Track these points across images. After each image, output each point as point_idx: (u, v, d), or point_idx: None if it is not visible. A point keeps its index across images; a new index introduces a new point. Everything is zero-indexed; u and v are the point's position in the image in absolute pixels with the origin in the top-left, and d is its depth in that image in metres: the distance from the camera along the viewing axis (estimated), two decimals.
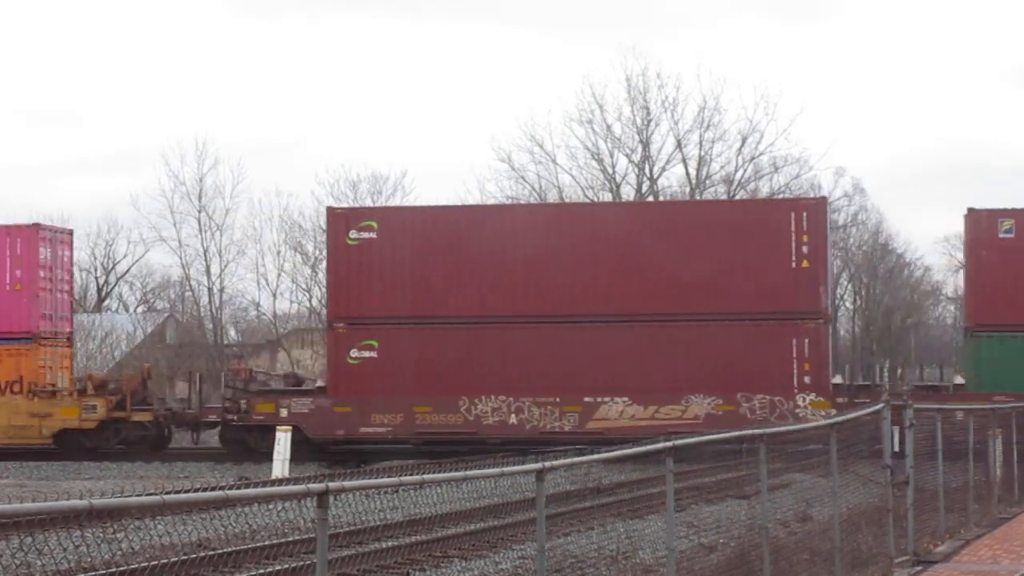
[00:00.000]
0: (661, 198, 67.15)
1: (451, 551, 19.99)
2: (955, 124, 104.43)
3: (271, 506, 20.73)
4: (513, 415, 38.77)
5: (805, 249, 38.06)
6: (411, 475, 10.97)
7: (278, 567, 18.24)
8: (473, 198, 70.77)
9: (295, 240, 69.43)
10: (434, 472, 15.31)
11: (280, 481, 32.06)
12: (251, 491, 10.28)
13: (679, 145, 67.33)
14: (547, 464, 11.25)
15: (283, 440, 34.35)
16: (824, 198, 38.87)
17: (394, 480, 10.55)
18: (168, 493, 12.44)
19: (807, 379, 37.50)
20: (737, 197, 65.49)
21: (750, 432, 15.47)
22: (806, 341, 37.71)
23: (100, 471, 38.47)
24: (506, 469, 11.27)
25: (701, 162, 67.56)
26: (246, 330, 78.18)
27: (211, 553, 18.17)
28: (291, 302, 71.99)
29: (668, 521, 13.26)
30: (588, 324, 38.68)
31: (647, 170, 67.47)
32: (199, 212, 68.85)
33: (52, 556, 17.16)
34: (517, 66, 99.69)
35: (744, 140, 67.13)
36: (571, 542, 19.51)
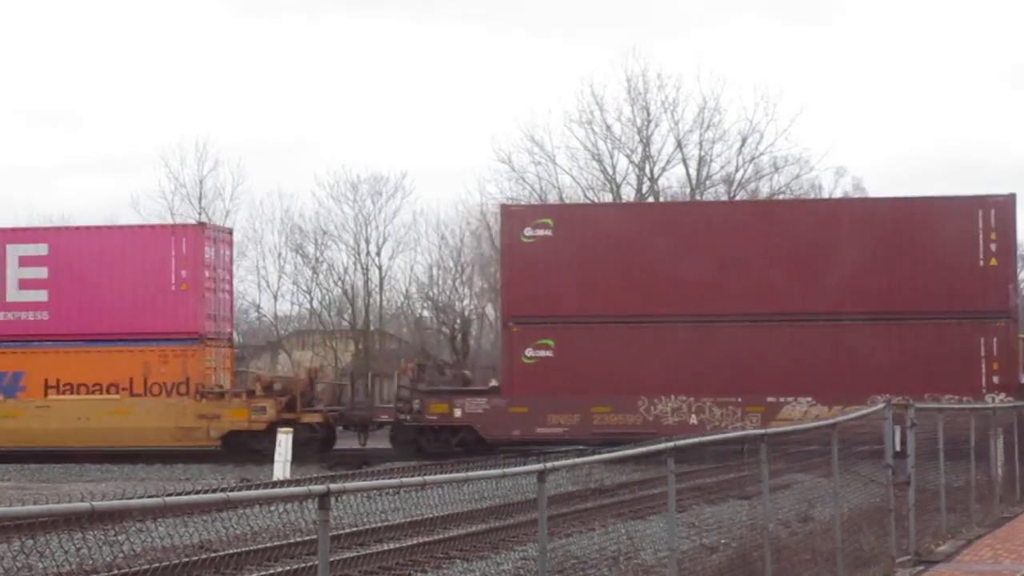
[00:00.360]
0: (661, 199, 67.13)
1: (453, 552, 19.99)
2: (955, 124, 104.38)
3: (272, 508, 20.74)
4: (694, 415, 38.27)
5: (993, 247, 37.55)
6: (412, 476, 10.97)
7: (280, 569, 18.23)
8: (474, 200, 70.84)
9: (296, 242, 69.41)
10: (435, 473, 15.30)
11: (281, 483, 32.04)
12: (252, 493, 10.28)
13: (679, 145, 67.32)
14: (549, 465, 11.24)
15: (284, 442, 34.31)
16: (1012, 195, 38.05)
17: (395, 481, 10.55)
18: (169, 495, 12.42)
19: (996, 379, 37.00)
20: (738, 198, 65.50)
21: (751, 433, 15.46)
22: (994, 340, 37.27)
23: (101, 473, 38.42)
24: (507, 470, 11.25)
25: (701, 162, 67.55)
26: (247, 332, 78.17)
27: (213, 555, 18.16)
28: (292, 304, 71.97)
29: (670, 522, 13.25)
30: (770, 323, 38.25)
31: (647, 170, 67.47)
32: (199, 214, 68.83)
33: (54, 558, 17.16)
34: (517, 67, 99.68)
35: (744, 140, 67.13)
36: (573, 543, 19.50)
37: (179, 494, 23.65)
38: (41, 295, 42.33)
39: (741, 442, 15.63)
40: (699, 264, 38.66)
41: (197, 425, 41.17)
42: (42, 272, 42.37)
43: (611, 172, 67.26)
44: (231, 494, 8.48)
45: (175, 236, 42.35)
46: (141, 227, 45.12)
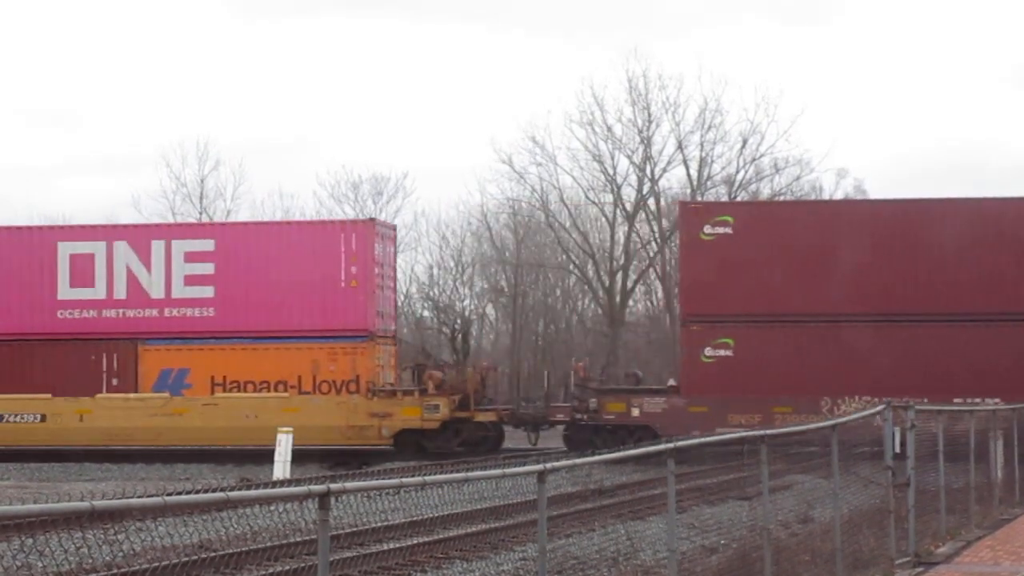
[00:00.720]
0: (662, 200, 67.19)
1: (452, 552, 19.99)
2: (955, 124, 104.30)
3: (272, 507, 20.73)
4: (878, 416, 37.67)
5: None
6: (412, 477, 10.98)
7: (279, 568, 18.25)
8: (474, 200, 70.85)
9: None
10: (435, 473, 15.32)
11: (281, 482, 32.03)
12: (252, 492, 10.30)
13: (680, 146, 67.30)
14: (548, 466, 11.24)
15: (284, 442, 34.30)
16: None
17: (395, 482, 10.55)
18: (169, 494, 12.40)
19: None
20: (738, 199, 65.45)
21: (751, 433, 15.46)
22: None
23: (101, 472, 38.40)
24: (507, 471, 11.26)
25: (702, 163, 67.53)
26: None
27: (213, 554, 18.17)
28: None
29: (669, 522, 13.25)
30: (959, 323, 37.52)
31: (648, 171, 67.49)
32: (200, 214, 68.85)
33: (53, 558, 17.17)
34: (517, 67, 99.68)
35: (745, 141, 67.11)
36: (572, 543, 19.51)
37: (179, 493, 23.66)
38: (207, 291, 41.85)
39: (741, 443, 15.63)
40: (886, 263, 37.95)
41: (369, 424, 40.57)
42: (208, 268, 41.91)
43: (612, 173, 67.31)
44: (231, 494, 8.49)
45: (344, 232, 41.90)
46: (310, 223, 44.85)
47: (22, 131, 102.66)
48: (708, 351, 38.63)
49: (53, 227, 45.37)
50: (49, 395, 41.55)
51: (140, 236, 43.04)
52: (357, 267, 41.40)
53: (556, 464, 11.74)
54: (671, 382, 40.71)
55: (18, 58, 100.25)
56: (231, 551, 18.53)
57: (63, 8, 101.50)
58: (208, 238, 42.67)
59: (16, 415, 41.56)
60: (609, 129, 66.87)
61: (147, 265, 42.15)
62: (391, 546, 19.71)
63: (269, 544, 19.69)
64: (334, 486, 8.92)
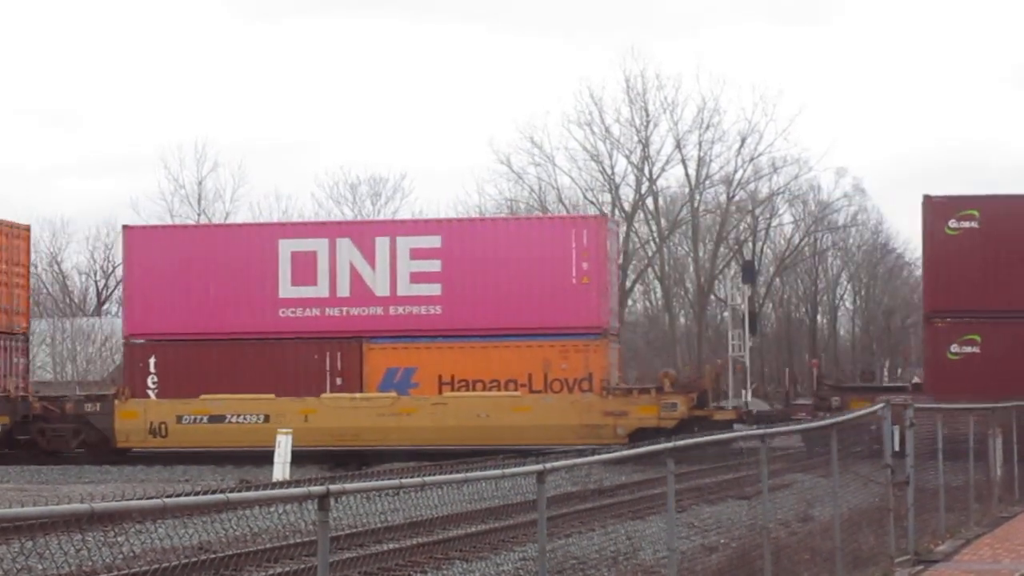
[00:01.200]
0: (660, 200, 67.28)
1: (452, 553, 19.98)
2: (955, 124, 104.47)
3: (272, 509, 20.73)
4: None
5: None
6: (412, 477, 10.97)
7: (279, 570, 18.25)
8: (472, 201, 70.88)
9: None
10: (435, 474, 15.30)
11: (281, 484, 32.01)
12: (252, 494, 10.29)
13: (678, 146, 67.45)
14: (548, 466, 11.24)
15: (283, 443, 34.29)
16: None
17: (395, 482, 10.53)
18: (169, 496, 12.41)
19: None
20: (737, 198, 65.59)
21: (750, 432, 15.46)
22: None
23: (101, 474, 38.37)
24: (507, 471, 11.24)
25: (700, 163, 67.65)
26: None
27: (212, 556, 18.16)
28: None
29: (669, 522, 13.25)
30: None
31: (646, 171, 67.54)
32: (199, 216, 68.86)
33: (53, 560, 17.17)
34: (516, 67, 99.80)
35: (743, 141, 67.22)
36: (572, 543, 19.51)
37: (179, 495, 23.64)
38: (434, 289, 41.20)
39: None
40: None
41: (603, 423, 39.98)
42: (435, 265, 41.30)
43: (610, 173, 67.37)
44: (231, 495, 8.48)
45: (576, 228, 41.41)
46: (539, 218, 44.73)
47: (22, 131, 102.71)
48: (954, 348, 37.80)
49: (274, 224, 44.98)
50: (272, 395, 40.79)
51: (364, 233, 42.47)
52: (589, 263, 40.79)
53: (555, 464, 11.73)
54: (915, 379, 40.10)
55: (18, 58, 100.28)
56: (231, 553, 18.53)
57: (63, 8, 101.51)
58: (434, 234, 41.97)
59: (239, 416, 40.83)
60: (607, 129, 67.01)
61: (371, 262, 41.46)
62: (391, 547, 19.70)
63: (269, 546, 19.69)
64: (333, 487, 8.91)
